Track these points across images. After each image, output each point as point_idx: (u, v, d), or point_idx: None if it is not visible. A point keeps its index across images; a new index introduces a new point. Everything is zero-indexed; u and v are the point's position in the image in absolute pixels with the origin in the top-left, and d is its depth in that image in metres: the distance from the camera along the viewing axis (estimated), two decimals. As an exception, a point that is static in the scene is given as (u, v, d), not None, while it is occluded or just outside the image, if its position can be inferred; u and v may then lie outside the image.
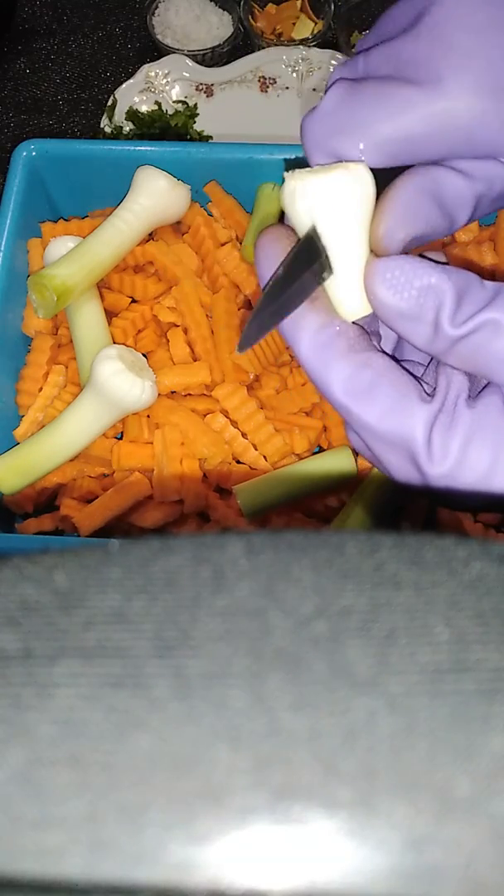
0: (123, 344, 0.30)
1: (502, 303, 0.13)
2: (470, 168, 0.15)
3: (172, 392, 0.30)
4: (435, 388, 0.14)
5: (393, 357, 0.15)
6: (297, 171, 0.16)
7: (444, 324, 0.13)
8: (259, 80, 0.43)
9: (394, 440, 0.14)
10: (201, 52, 0.44)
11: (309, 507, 0.29)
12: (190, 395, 0.30)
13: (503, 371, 0.14)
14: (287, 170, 0.19)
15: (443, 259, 0.16)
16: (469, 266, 0.30)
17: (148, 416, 0.29)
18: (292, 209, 0.16)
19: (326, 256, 0.16)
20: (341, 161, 0.16)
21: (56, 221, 0.33)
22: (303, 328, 0.15)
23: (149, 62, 0.44)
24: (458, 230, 0.17)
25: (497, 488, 0.14)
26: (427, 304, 0.13)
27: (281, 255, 0.16)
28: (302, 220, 0.16)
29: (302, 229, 0.16)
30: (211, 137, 0.42)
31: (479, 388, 0.14)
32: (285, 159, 0.31)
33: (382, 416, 0.14)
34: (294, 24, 0.45)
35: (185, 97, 0.44)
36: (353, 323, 0.15)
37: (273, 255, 0.16)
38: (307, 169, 0.16)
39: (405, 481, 0.14)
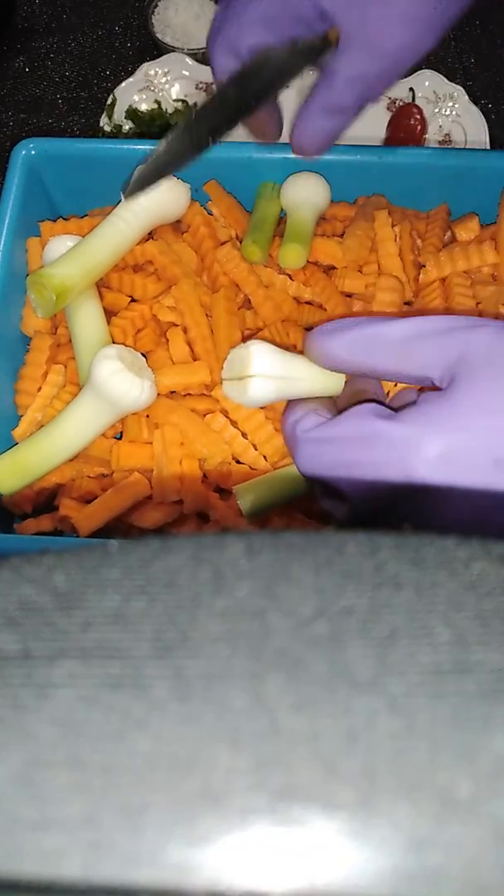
0: (123, 343, 0.30)
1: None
2: None
3: (172, 392, 0.29)
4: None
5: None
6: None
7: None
8: (258, 80, 0.43)
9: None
10: (201, 51, 0.44)
11: (309, 507, 0.29)
12: (190, 394, 0.30)
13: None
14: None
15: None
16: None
17: (147, 416, 0.29)
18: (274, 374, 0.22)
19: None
20: None
21: (55, 220, 0.33)
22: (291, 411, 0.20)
23: (148, 61, 0.44)
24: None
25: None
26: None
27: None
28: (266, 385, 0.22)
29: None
30: (210, 136, 0.42)
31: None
32: (285, 158, 0.31)
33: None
34: (294, 23, 0.45)
35: (185, 96, 0.44)
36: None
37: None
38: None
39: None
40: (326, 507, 0.19)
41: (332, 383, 0.22)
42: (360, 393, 0.20)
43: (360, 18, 0.21)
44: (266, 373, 0.22)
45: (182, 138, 0.24)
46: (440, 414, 0.16)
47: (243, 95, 0.23)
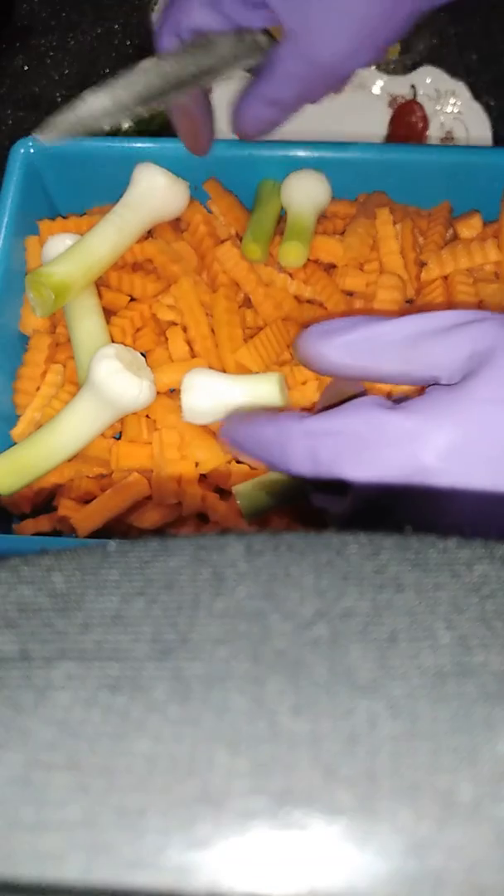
0: (122, 343, 0.30)
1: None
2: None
3: (172, 390, 0.29)
4: None
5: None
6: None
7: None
8: (259, 77, 0.43)
9: None
10: (200, 49, 0.43)
11: (309, 507, 0.28)
12: (189, 393, 0.29)
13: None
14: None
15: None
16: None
17: (147, 416, 0.29)
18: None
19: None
20: None
21: (54, 219, 0.33)
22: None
23: (148, 59, 0.43)
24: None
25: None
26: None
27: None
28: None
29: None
30: (210, 134, 0.42)
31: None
32: (285, 156, 0.31)
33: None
34: (294, 19, 0.44)
35: (185, 94, 0.43)
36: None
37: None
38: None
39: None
40: (320, 503, 0.18)
41: (266, 392, 0.26)
42: (343, 393, 0.20)
43: (300, 19, 0.20)
44: (195, 408, 0.26)
45: (108, 97, 0.23)
46: (450, 404, 0.15)
47: (179, 72, 0.23)
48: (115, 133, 0.42)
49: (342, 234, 0.32)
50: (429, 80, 0.43)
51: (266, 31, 0.22)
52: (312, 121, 0.43)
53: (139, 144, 0.32)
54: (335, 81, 0.22)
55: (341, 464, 0.16)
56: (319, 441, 0.17)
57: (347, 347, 0.18)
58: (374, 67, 0.41)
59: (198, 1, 0.22)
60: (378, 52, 0.21)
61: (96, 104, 0.23)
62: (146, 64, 0.23)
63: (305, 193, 0.31)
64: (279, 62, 0.22)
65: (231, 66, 0.23)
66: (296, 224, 0.31)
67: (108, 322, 0.30)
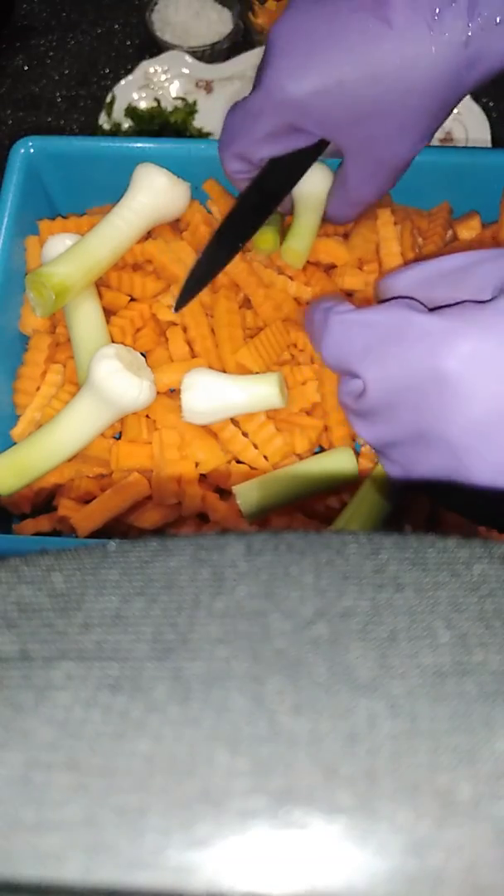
0: (122, 343, 0.30)
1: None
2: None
3: (172, 390, 0.29)
4: None
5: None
6: None
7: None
8: (258, 77, 0.43)
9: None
10: (201, 49, 0.44)
11: (310, 507, 0.28)
12: (189, 393, 0.29)
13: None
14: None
15: None
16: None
17: (147, 416, 0.29)
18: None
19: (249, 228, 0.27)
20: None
21: (54, 219, 0.33)
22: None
23: (148, 59, 0.44)
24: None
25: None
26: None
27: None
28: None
29: None
30: (210, 134, 0.42)
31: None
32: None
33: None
34: (293, 20, 0.44)
35: (185, 94, 0.43)
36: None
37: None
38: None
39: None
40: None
41: (265, 392, 0.26)
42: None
43: (358, 139, 0.24)
44: (195, 408, 0.26)
45: (216, 245, 0.27)
46: (479, 315, 0.16)
47: (263, 197, 0.27)
48: (115, 133, 0.42)
49: (343, 235, 0.32)
50: (428, 81, 0.43)
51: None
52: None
53: (139, 144, 0.32)
54: (403, 169, 0.25)
55: (367, 356, 0.18)
56: (352, 331, 0.18)
57: (408, 281, 0.20)
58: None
59: (262, 139, 0.25)
60: (434, 133, 0.24)
61: (210, 254, 0.27)
62: (236, 204, 0.27)
63: (312, 184, 0.31)
64: (349, 174, 0.26)
65: (300, 173, 0.27)
66: (299, 223, 0.31)
67: (108, 322, 0.30)
